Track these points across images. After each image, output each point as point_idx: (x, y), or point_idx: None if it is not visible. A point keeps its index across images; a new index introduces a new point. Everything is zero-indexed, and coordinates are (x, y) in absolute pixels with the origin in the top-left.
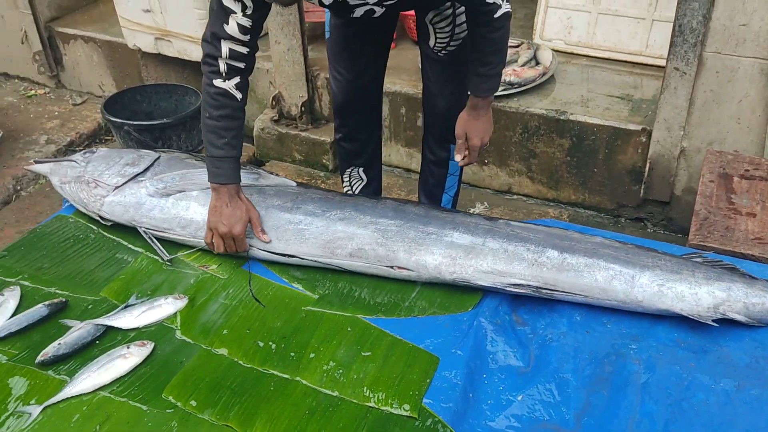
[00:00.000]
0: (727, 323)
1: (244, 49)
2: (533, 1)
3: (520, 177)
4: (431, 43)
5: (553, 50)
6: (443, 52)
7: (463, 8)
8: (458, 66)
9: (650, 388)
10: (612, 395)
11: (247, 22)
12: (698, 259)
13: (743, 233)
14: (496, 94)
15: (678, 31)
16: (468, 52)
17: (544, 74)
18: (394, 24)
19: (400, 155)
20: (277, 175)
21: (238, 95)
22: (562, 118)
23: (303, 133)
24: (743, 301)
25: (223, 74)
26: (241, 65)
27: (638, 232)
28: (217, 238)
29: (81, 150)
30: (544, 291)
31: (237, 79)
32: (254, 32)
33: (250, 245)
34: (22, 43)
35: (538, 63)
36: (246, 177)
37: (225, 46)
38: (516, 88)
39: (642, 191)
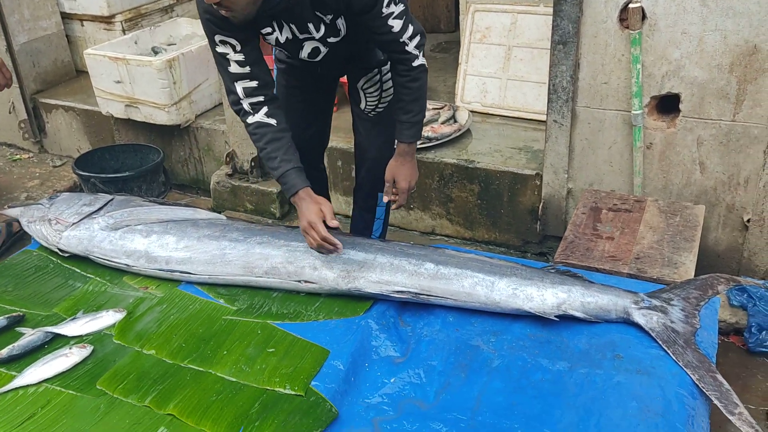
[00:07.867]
0: (571, 320)
1: (253, 83)
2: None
3: (441, 219)
4: (362, 105)
5: (472, 111)
6: (373, 113)
7: (389, 75)
8: (385, 124)
9: (499, 370)
10: (468, 377)
11: (241, 57)
12: (552, 270)
13: (600, 252)
14: (418, 146)
15: (552, 90)
16: (393, 104)
17: (459, 130)
18: (334, 89)
19: (339, 203)
20: (218, 212)
21: (272, 121)
22: (470, 166)
23: (253, 185)
24: (580, 300)
25: (250, 111)
26: (260, 98)
27: None
28: (310, 233)
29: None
30: (421, 296)
31: (265, 109)
32: (253, 64)
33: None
34: (10, 113)
35: (456, 121)
36: (183, 213)
37: (239, 87)
38: (433, 142)
39: (539, 228)
